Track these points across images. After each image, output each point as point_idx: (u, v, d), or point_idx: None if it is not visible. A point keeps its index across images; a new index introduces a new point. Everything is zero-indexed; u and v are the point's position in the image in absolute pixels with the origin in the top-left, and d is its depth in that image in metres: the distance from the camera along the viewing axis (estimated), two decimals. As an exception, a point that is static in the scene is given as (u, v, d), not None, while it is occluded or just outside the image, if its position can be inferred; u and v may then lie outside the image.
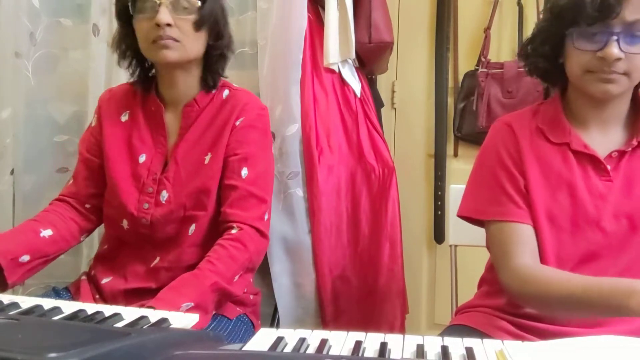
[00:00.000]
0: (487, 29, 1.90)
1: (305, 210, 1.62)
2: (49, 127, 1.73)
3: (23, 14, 1.67)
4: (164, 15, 1.14)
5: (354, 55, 1.65)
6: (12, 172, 1.70)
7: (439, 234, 2.02)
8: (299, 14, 1.56)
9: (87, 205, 1.31)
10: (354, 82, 1.68)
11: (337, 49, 1.63)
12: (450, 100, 1.99)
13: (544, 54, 1.08)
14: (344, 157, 1.66)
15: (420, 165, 2.05)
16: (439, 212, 2.00)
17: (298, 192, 1.61)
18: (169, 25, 1.15)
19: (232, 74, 1.71)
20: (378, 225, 1.66)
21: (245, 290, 1.34)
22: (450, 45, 1.98)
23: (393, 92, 2.06)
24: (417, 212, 2.04)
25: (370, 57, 1.71)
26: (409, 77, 2.04)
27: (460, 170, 1.93)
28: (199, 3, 1.17)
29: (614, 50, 0.96)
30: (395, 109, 2.07)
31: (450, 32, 1.98)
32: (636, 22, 0.96)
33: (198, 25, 1.18)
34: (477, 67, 1.90)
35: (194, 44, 1.20)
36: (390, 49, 1.73)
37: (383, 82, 2.00)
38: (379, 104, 1.85)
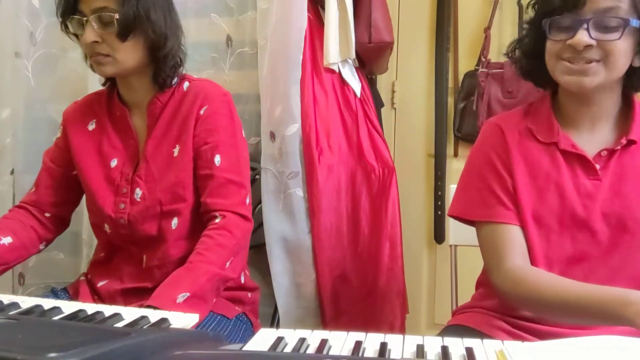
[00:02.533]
0: (487, 29, 1.90)
1: (305, 210, 1.62)
2: (49, 127, 1.73)
3: (23, 14, 1.67)
4: (89, 33, 1.15)
5: (354, 55, 1.65)
6: (12, 172, 1.70)
7: (439, 234, 2.02)
8: (299, 14, 1.56)
9: (47, 214, 1.32)
10: (354, 82, 1.68)
11: (337, 49, 1.63)
12: (450, 100, 1.99)
13: (528, 53, 1.09)
14: (344, 157, 1.66)
15: (420, 165, 2.05)
16: (439, 212, 2.00)
17: (298, 192, 1.61)
18: (96, 42, 1.15)
19: (232, 74, 1.73)
20: (378, 225, 1.66)
21: (243, 281, 1.35)
22: (450, 45, 1.98)
23: (393, 92, 2.06)
24: (417, 212, 2.04)
25: (370, 57, 1.71)
26: (409, 77, 2.04)
27: (460, 170, 1.90)
28: (117, 15, 1.14)
29: (582, 37, 0.96)
30: (395, 109, 2.06)
31: (450, 32, 1.98)
32: (608, 9, 0.96)
33: (122, 36, 1.16)
34: (477, 67, 1.90)
35: (126, 55, 1.18)
36: (390, 49, 1.73)
37: (383, 82, 2.00)
38: (379, 104, 1.85)
